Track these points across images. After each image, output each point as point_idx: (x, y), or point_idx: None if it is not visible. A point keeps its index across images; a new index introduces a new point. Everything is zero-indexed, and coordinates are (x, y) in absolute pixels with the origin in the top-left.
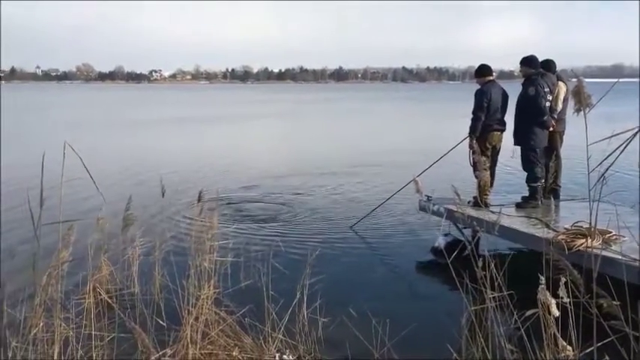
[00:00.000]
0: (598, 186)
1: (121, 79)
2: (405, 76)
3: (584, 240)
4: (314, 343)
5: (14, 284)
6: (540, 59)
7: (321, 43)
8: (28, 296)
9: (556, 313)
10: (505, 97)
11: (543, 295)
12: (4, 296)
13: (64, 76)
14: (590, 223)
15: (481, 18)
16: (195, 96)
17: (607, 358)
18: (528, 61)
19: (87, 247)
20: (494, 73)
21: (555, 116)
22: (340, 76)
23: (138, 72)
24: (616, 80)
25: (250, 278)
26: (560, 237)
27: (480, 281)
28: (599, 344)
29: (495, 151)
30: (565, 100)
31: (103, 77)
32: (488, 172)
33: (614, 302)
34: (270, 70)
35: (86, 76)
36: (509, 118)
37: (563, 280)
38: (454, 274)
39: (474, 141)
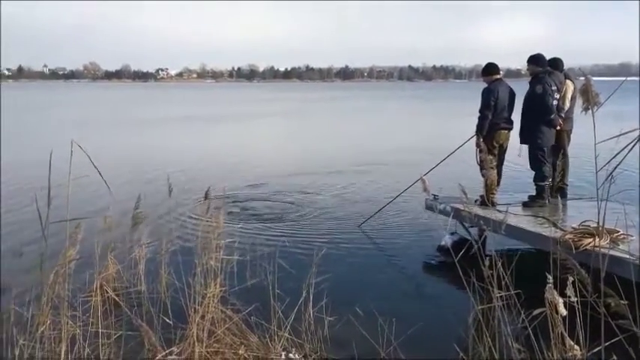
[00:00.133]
0: (606, 185)
1: (127, 77)
2: (411, 74)
3: (591, 239)
4: (320, 342)
5: (22, 282)
6: (548, 57)
7: (321, 43)
8: (35, 294)
9: (563, 312)
10: (512, 95)
11: (551, 294)
12: (12, 294)
13: (72, 75)
14: (598, 222)
15: (485, 17)
16: (202, 94)
17: (615, 357)
18: (536, 60)
19: (94, 245)
20: (501, 72)
21: (563, 115)
22: (346, 74)
23: (144, 70)
24: (624, 79)
25: (256, 277)
26: (567, 236)
27: (486, 280)
28: (607, 344)
29: (502, 150)
30: (573, 98)
31: (109, 76)
32: (495, 171)
33: (622, 301)
34: (276, 68)
35: (93, 74)
36: (517, 117)
37: (571, 279)
38: (461, 273)
39: (481, 139)
